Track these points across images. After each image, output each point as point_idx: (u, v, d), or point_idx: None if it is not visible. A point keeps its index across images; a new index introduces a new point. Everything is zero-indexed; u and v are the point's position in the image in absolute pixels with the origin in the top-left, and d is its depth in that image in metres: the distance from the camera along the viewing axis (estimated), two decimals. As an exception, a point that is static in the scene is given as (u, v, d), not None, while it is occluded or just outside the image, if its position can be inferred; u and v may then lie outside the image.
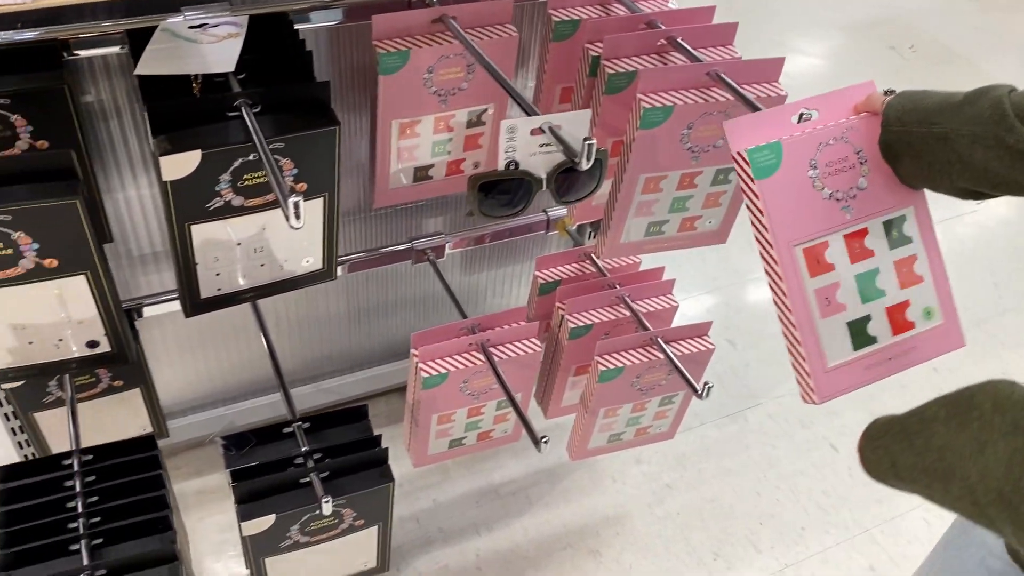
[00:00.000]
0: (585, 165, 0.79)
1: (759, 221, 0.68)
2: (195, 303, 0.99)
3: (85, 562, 0.91)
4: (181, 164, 0.84)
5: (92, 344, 0.91)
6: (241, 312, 1.35)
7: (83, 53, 0.93)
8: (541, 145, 0.85)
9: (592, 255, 1.33)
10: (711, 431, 1.68)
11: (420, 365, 1.17)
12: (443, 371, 1.17)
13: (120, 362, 0.93)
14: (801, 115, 0.76)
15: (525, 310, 1.24)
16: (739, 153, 0.72)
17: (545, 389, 1.38)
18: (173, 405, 1.44)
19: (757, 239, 0.68)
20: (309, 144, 0.88)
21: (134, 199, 1.12)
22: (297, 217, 0.70)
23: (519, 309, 1.23)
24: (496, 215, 0.88)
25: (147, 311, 1.21)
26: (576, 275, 1.33)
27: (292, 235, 0.98)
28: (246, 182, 0.89)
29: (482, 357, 1.19)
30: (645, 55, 1.02)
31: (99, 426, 1.27)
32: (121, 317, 0.89)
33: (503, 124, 0.83)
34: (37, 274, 0.82)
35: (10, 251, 0.79)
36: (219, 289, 0.99)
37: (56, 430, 1.23)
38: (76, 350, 0.91)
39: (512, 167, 0.85)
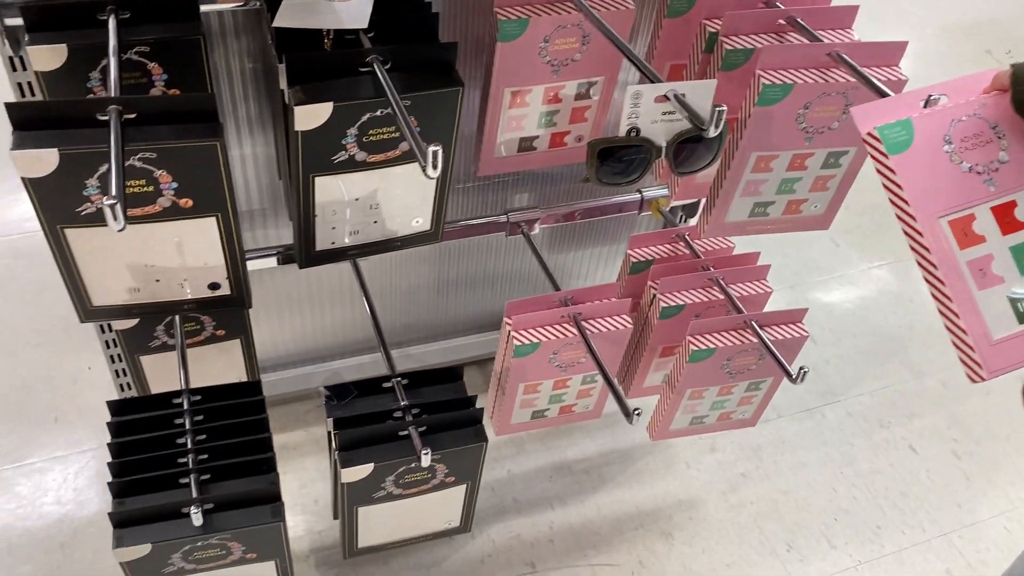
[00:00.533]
0: (713, 132, 0.80)
1: (898, 197, 0.68)
2: (310, 255, 1.02)
3: (194, 494, 0.95)
4: (313, 115, 0.86)
5: (214, 286, 0.94)
6: (336, 273, 1.39)
7: (221, 6, 0.97)
8: (664, 113, 0.86)
9: (686, 236, 1.34)
10: (788, 424, 1.67)
11: (513, 333, 1.19)
12: (535, 340, 1.19)
13: (239, 306, 0.97)
14: (928, 99, 0.76)
15: (617, 286, 1.25)
16: (869, 134, 0.72)
17: (628, 368, 1.39)
18: (263, 360, 1.48)
19: (899, 216, 0.68)
20: (434, 103, 0.90)
21: (245, 157, 1.16)
22: (435, 167, 0.72)
23: (611, 285, 1.25)
24: (612, 182, 0.89)
25: (248, 265, 1.25)
26: (669, 256, 1.34)
27: (406, 194, 1.00)
28: (371, 137, 0.91)
29: (574, 330, 1.20)
30: (763, 33, 1.02)
31: (198, 373, 1.31)
32: (243, 262, 0.93)
33: (629, 89, 0.84)
34: (172, 213, 0.85)
35: (151, 188, 0.83)
36: (333, 243, 1.02)
37: (158, 375, 1.28)
38: (198, 291, 0.94)
39: (633, 134, 0.86)
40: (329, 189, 0.95)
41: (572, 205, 1.41)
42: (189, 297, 0.95)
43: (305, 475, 1.51)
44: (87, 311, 0.93)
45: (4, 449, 1.52)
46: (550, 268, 1.54)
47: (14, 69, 1.00)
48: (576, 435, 1.62)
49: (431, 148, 0.71)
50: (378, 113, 0.89)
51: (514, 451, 1.58)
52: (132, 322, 1.15)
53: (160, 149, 0.80)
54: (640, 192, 1.40)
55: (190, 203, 0.85)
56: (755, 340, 1.20)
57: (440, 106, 0.91)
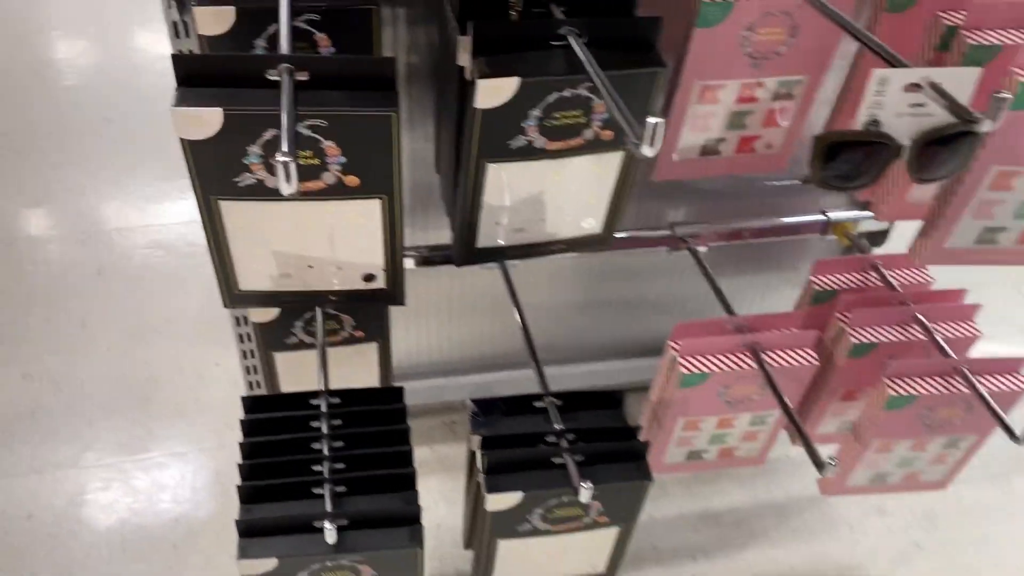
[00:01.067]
0: (988, 127, 0.66)
1: None
2: (469, 252, 0.92)
3: (329, 508, 0.85)
4: (497, 91, 0.76)
5: (368, 278, 0.85)
6: (479, 279, 1.29)
7: (398, -26, 0.89)
8: (911, 105, 0.72)
9: (879, 265, 1.18)
10: (968, 491, 1.47)
11: (679, 360, 1.06)
12: (705, 370, 1.05)
13: (393, 301, 0.87)
14: None
15: (799, 315, 1.10)
16: None
17: (800, 412, 1.23)
18: (396, 368, 1.39)
19: None
20: (630, 84, 0.79)
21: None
22: (652, 144, 0.61)
23: (792, 314, 1.10)
24: (840, 185, 0.75)
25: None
26: (859, 286, 1.18)
27: (581, 189, 0.89)
28: (554, 121, 0.81)
29: (751, 361, 1.06)
30: (1014, 28, 0.87)
31: (331, 375, 1.23)
32: (401, 253, 0.83)
33: (874, 74, 0.70)
34: (337, 191, 0.77)
35: (317, 161, 0.74)
36: (496, 241, 0.92)
37: (291, 374, 1.20)
38: (350, 282, 0.85)
39: (873, 127, 0.72)
40: (500, 178, 0.85)
41: (744, 223, 1.27)
42: (340, 288, 0.86)
43: (428, 496, 1.40)
44: (233, 295, 0.85)
45: (124, 440, 1.47)
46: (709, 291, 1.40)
47: (177, 36, 0.94)
48: (724, 482, 1.46)
49: (653, 120, 0.60)
50: (566, 93, 0.78)
51: (657, 493, 1.43)
52: (271, 315, 1.08)
53: (331, 116, 0.71)
54: (824, 212, 1.25)
55: (356, 182, 0.76)
56: (965, 390, 1.03)
57: (636, 88, 0.80)
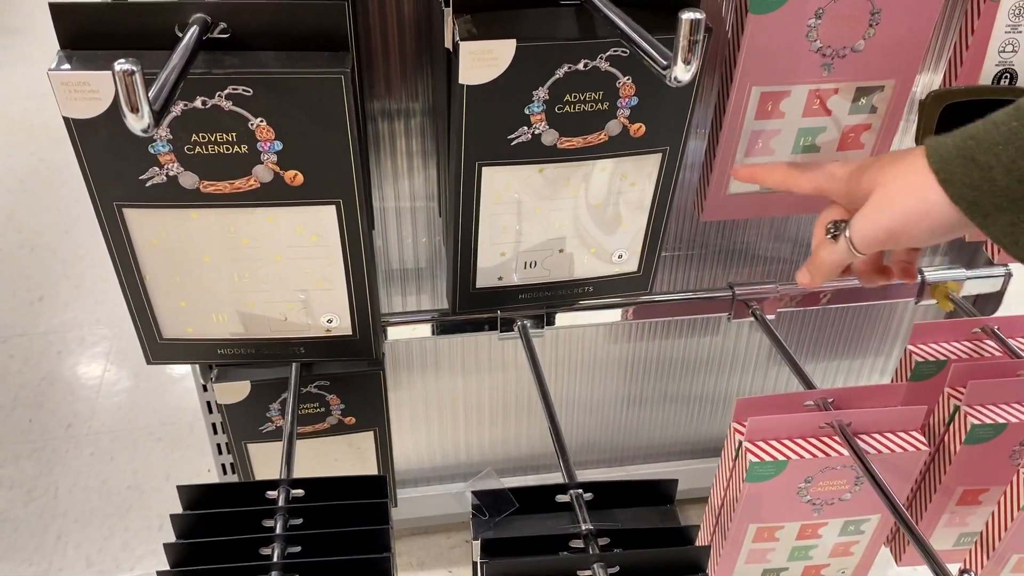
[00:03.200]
0: None
1: None
2: (468, 294, 0.72)
3: (268, 636, 0.62)
4: (487, 59, 0.58)
5: (330, 320, 0.65)
6: (498, 355, 1.08)
7: None
8: (1061, 48, 0.51)
9: (996, 329, 0.93)
10: None
11: (747, 445, 0.82)
12: (781, 457, 0.81)
13: (359, 353, 0.67)
14: None
15: (898, 388, 0.86)
16: None
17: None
18: (403, 472, 1.17)
19: None
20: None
21: (399, 209, 0.90)
22: (688, 57, 0.41)
23: (888, 387, 0.86)
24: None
25: (392, 332, 0.95)
26: (973, 356, 0.94)
27: (609, 208, 0.69)
28: (567, 107, 0.62)
29: (841, 447, 0.81)
30: None
31: (315, 472, 1.02)
32: (372, 286, 0.63)
33: (1005, 3, 0.50)
34: (274, 192, 0.58)
35: (243, 148, 0.56)
36: (499, 278, 0.72)
37: (270, 468, 0.99)
38: (303, 325, 0.65)
39: (1007, 81, 0.51)
40: (501, 187, 0.66)
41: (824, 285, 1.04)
42: (295, 336, 0.66)
43: (444, 634, 1.16)
44: (155, 346, 0.66)
45: (94, 557, 1.26)
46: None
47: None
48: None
49: (689, 14, 0.40)
50: (580, 66, 0.60)
51: (724, 627, 1.15)
52: (240, 394, 0.88)
53: (258, 81, 0.53)
54: (922, 271, 1.02)
55: (299, 178, 0.57)
56: None
57: None
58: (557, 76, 0.60)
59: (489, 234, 0.69)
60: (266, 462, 0.98)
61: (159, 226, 0.59)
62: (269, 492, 0.74)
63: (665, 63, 0.42)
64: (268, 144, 0.56)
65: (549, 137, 0.63)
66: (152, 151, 0.55)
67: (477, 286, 0.72)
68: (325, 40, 0.55)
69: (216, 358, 0.66)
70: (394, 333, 0.95)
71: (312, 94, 0.54)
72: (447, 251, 0.70)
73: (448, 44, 0.60)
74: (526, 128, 0.62)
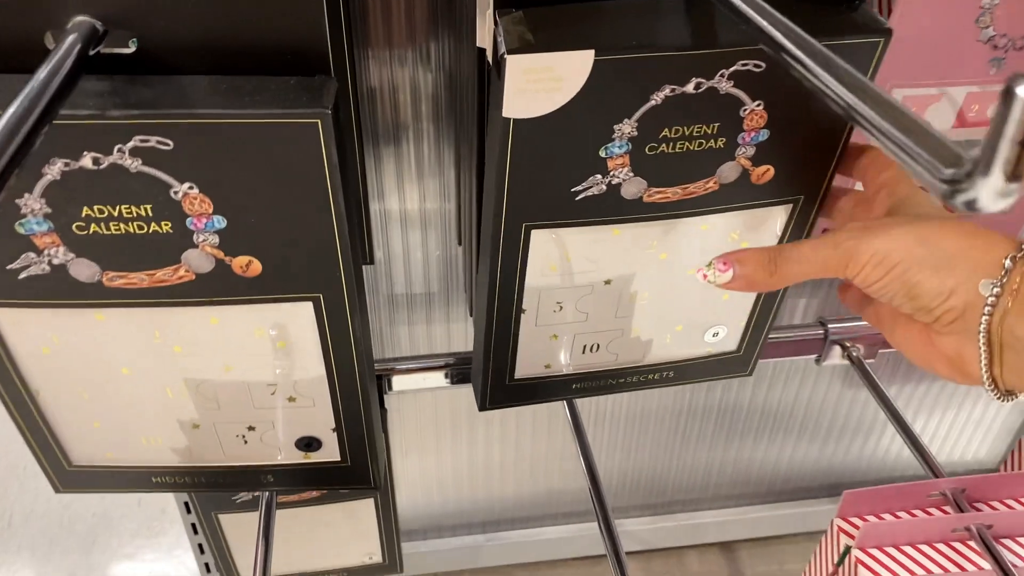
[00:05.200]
0: None
1: None
2: (502, 387, 0.52)
3: None
4: (546, 83, 0.37)
5: (308, 444, 0.45)
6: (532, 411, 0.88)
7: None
8: None
9: None
10: None
11: (859, 555, 0.63)
12: (902, 573, 0.63)
13: (350, 482, 0.47)
14: None
15: (1044, 475, 0.67)
16: None
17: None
18: (412, 521, 0.99)
19: None
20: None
21: (404, 214, 0.69)
22: (1012, 175, 0.20)
23: (1033, 472, 0.67)
24: None
25: (398, 382, 0.76)
26: None
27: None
28: (662, 146, 0.41)
29: (981, 559, 0.63)
30: None
31: (307, 544, 0.84)
32: (368, 400, 0.43)
33: None
34: (217, 286, 0.38)
35: (167, 227, 0.35)
36: (547, 366, 0.52)
37: (245, 540, 0.81)
38: (278, 450, 0.46)
39: None
40: (556, 255, 0.45)
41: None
42: (253, 463, 0.46)
43: None
44: (64, 475, 0.47)
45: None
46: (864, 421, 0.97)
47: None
48: None
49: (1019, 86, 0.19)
50: (690, 88, 0.39)
51: None
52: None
53: (183, 127, 0.33)
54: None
55: (255, 267, 0.37)
56: None
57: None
58: (653, 103, 0.39)
59: (536, 314, 0.49)
60: (243, 537, 0.80)
61: (47, 330, 0.39)
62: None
63: (952, 168, 0.21)
64: (204, 220, 0.35)
65: (633, 188, 0.42)
66: (22, 230, 0.35)
67: (516, 376, 0.52)
68: (294, 58, 0.34)
69: (150, 487, 0.47)
70: (400, 383, 0.75)
71: (271, 147, 0.33)
72: (476, 326, 0.51)
73: (486, 48, 0.39)
74: (600, 177, 0.42)
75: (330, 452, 0.45)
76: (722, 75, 0.39)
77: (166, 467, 0.46)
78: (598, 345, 0.52)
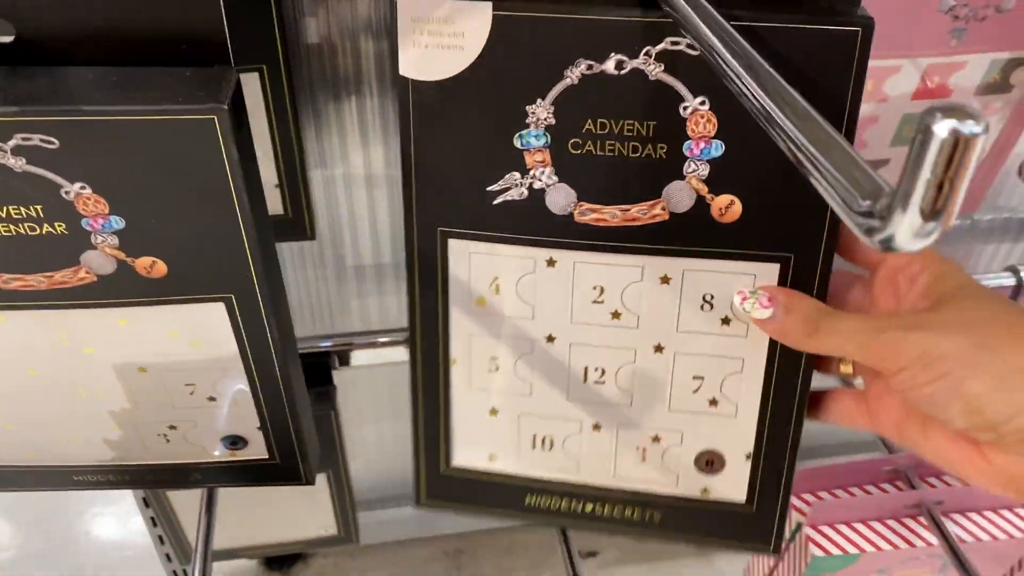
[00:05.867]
0: None
1: None
2: (437, 477, 0.45)
3: None
4: (445, 38, 0.35)
5: (234, 442, 0.44)
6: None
7: None
8: None
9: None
10: None
11: (809, 533, 0.63)
12: (853, 550, 0.62)
13: (280, 480, 0.46)
14: None
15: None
16: None
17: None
18: (368, 492, 0.98)
19: None
20: (813, 53, 0.35)
21: (349, 179, 0.67)
22: (935, 212, 0.18)
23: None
24: None
25: (357, 356, 0.74)
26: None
27: (687, 364, 0.42)
28: (588, 144, 0.38)
29: (928, 532, 0.63)
30: None
31: (260, 518, 0.83)
32: (293, 397, 0.42)
33: None
34: (121, 287, 0.36)
35: (61, 228, 0.33)
36: (492, 457, 0.45)
37: (195, 511, 0.80)
38: (203, 448, 0.44)
39: None
40: (484, 279, 0.41)
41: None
42: (178, 461, 0.44)
43: None
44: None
45: None
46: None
47: None
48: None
49: (943, 130, 0.17)
50: (609, 66, 0.36)
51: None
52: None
53: (69, 125, 0.30)
54: (1016, 270, 0.81)
55: (160, 268, 0.35)
56: None
57: (822, 64, 0.35)
58: (568, 81, 0.36)
59: (468, 368, 0.43)
60: (193, 511, 0.79)
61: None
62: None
63: (869, 201, 0.19)
64: (100, 221, 0.33)
65: (559, 198, 0.38)
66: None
67: (453, 464, 0.45)
68: (191, 47, 0.31)
69: (72, 486, 0.45)
70: (352, 359, 0.74)
71: (165, 145, 0.31)
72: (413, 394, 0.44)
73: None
74: (518, 177, 0.38)
75: (257, 450, 0.44)
76: (647, 54, 0.35)
77: (87, 466, 0.44)
78: (551, 441, 0.44)
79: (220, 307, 0.37)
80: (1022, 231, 0.82)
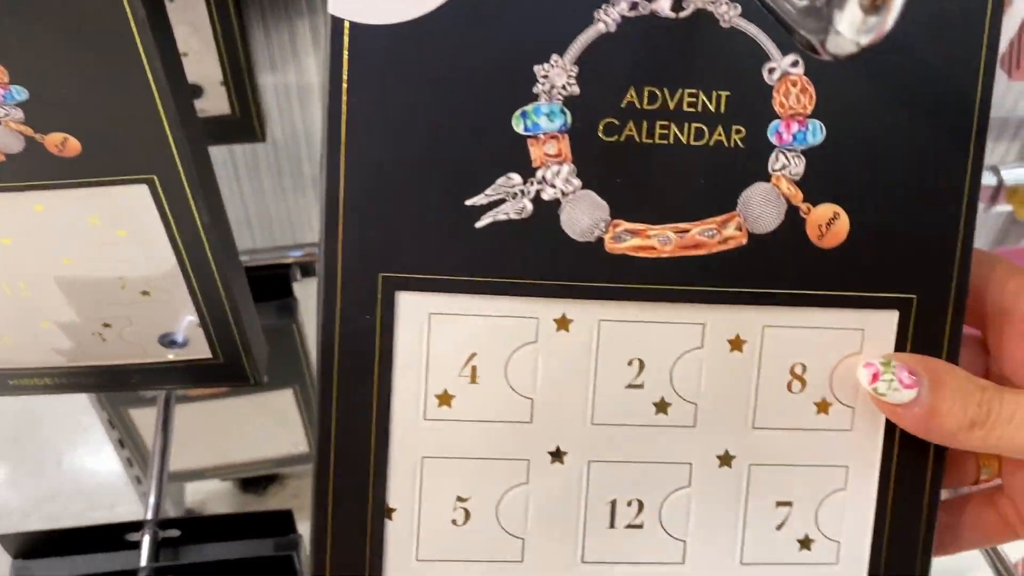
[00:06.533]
0: None
1: None
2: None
3: None
4: None
5: (172, 341, 0.42)
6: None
7: None
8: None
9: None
10: None
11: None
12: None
13: (226, 379, 0.44)
14: None
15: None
16: None
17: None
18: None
19: None
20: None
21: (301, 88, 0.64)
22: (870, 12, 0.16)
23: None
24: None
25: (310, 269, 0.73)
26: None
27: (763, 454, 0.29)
28: (629, 122, 0.26)
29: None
30: None
31: (229, 437, 0.82)
32: (232, 288, 0.40)
33: None
34: (33, 168, 0.33)
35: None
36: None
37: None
38: (142, 349, 0.42)
39: None
40: (450, 365, 0.27)
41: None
42: (116, 363, 0.43)
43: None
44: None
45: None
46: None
47: None
48: None
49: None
50: (665, 3, 0.25)
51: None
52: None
53: None
54: (996, 171, 0.79)
55: (72, 145, 0.33)
56: None
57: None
58: (602, 27, 0.25)
59: (414, 514, 0.28)
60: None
61: None
62: (130, 535, 0.53)
63: (804, 1, 0.17)
64: (1, 92, 0.30)
65: (581, 214, 0.26)
66: None
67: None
68: None
69: (10, 391, 0.44)
70: (318, 268, 0.72)
71: (62, 2, 0.28)
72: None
73: None
74: (518, 180, 0.26)
75: (199, 349, 0.42)
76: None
77: (22, 368, 0.42)
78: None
79: (143, 189, 0.34)
80: (1003, 131, 0.80)
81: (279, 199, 0.72)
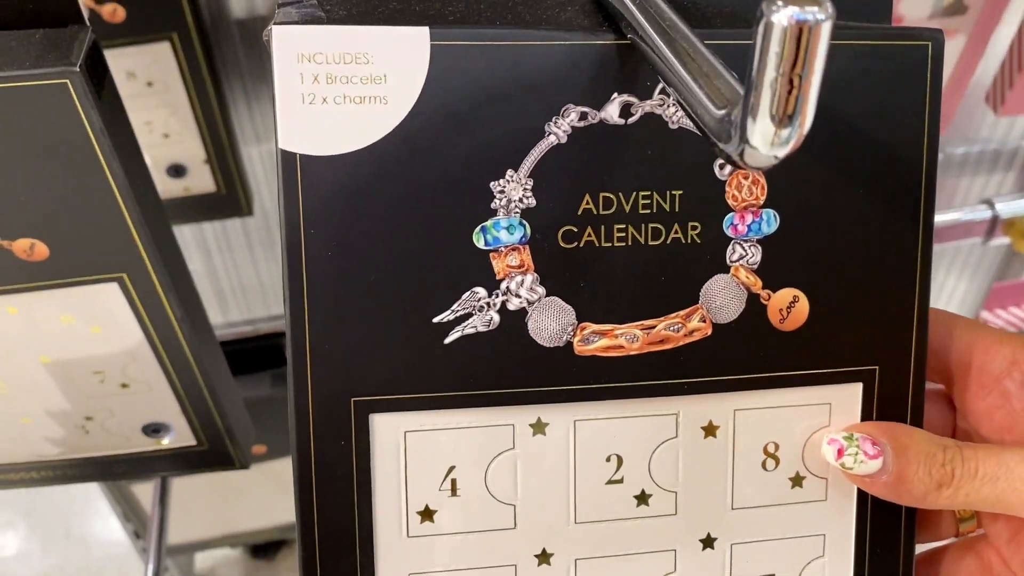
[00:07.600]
0: None
1: None
2: None
3: None
4: (353, 86, 0.24)
5: (156, 430, 0.42)
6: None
7: None
8: None
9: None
10: None
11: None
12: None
13: (212, 465, 0.44)
14: None
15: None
16: None
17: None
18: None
19: None
20: (889, 70, 0.27)
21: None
22: (781, 127, 0.16)
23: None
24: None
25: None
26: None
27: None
28: (587, 228, 0.26)
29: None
30: None
31: (232, 507, 0.81)
32: (212, 377, 0.40)
33: None
34: (4, 274, 0.34)
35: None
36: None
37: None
38: (125, 439, 0.42)
39: None
40: (426, 489, 0.27)
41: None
42: (100, 454, 0.43)
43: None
44: None
45: None
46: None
47: None
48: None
49: (783, 13, 0.15)
50: (614, 113, 0.25)
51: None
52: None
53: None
54: (991, 204, 0.78)
55: (40, 250, 0.33)
56: None
57: (898, 81, 0.27)
58: (553, 139, 0.25)
59: None
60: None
61: None
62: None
63: (722, 111, 0.17)
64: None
65: (548, 320, 0.26)
66: None
67: None
68: (38, 5, 0.29)
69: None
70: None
71: (18, 115, 0.29)
72: None
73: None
74: (482, 293, 0.26)
75: (183, 436, 0.42)
76: (665, 92, 0.25)
77: (6, 464, 0.42)
78: None
79: (114, 287, 0.35)
80: (996, 163, 0.80)
81: (273, 268, 0.72)
